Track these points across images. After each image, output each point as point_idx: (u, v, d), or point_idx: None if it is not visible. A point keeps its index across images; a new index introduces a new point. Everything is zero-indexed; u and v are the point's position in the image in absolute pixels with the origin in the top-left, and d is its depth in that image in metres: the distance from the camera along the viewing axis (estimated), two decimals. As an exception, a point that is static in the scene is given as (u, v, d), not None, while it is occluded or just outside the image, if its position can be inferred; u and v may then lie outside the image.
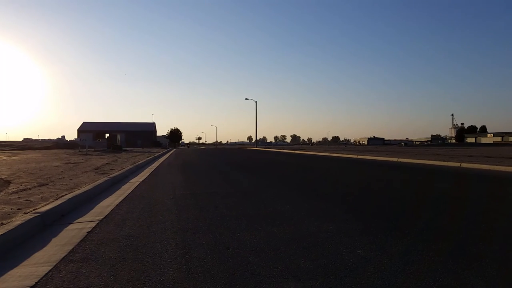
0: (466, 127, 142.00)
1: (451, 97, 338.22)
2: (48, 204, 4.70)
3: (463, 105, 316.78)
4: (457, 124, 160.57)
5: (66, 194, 5.54)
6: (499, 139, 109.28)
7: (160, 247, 3.27)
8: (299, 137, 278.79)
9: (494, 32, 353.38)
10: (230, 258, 2.97)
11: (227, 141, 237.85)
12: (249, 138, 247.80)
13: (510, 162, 13.50)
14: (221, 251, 3.16)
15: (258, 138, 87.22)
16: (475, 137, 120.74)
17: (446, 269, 2.69)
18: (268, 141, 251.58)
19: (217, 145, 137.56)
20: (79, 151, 27.54)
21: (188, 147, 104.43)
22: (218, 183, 8.58)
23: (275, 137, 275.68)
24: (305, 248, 3.20)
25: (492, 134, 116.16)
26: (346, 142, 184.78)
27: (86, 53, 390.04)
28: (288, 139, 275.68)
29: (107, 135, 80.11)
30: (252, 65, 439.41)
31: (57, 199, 5.11)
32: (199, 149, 63.52)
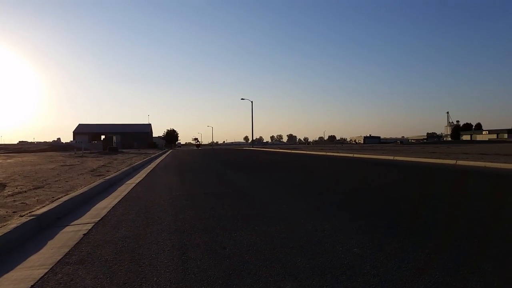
0: (461, 125, 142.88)
1: (447, 95, 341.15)
2: (44, 206, 4.67)
3: (459, 103, 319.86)
4: (452, 122, 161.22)
5: (62, 197, 5.51)
6: (494, 136, 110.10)
7: (157, 248, 3.26)
8: (295, 136, 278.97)
9: (489, 30, 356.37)
10: (227, 258, 2.97)
11: (224, 141, 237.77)
12: (246, 138, 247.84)
13: (505, 159, 13.60)
14: (218, 251, 3.16)
15: (254, 138, 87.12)
16: (471, 135, 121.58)
17: (442, 266, 2.71)
18: (264, 141, 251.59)
19: (213, 145, 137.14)
20: (75, 153, 27.40)
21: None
22: (214, 183, 8.57)
23: (272, 137, 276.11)
24: (302, 247, 3.21)
25: (487, 132, 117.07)
26: (342, 141, 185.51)
27: (81, 55, 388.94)
28: (285, 139, 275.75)
29: (102, 137, 79.94)
30: (247, 65, 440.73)
31: (53, 201, 5.09)
32: (196, 149, 63.32)
